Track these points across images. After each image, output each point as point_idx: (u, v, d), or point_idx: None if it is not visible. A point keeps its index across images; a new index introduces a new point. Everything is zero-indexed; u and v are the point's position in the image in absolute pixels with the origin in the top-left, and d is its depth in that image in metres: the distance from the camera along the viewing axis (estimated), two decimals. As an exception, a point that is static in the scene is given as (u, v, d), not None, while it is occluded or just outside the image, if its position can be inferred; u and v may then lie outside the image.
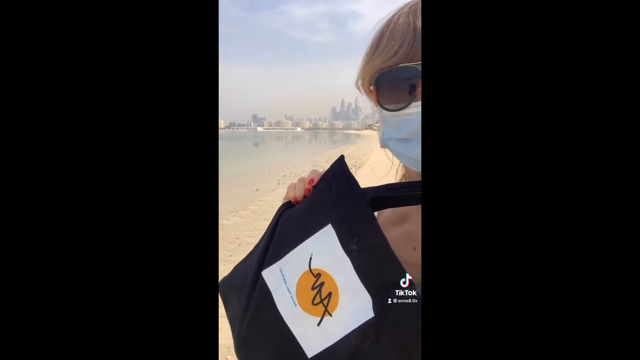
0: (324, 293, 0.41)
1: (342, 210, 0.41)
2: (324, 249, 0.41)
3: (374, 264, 0.39)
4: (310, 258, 0.42)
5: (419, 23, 0.40)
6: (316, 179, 0.44)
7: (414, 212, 0.49)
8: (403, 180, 0.54)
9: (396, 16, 0.42)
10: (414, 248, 0.47)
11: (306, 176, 0.46)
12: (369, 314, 0.38)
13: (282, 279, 0.43)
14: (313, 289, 0.41)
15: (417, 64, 0.40)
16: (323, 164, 12.92)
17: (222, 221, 5.12)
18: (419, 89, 0.40)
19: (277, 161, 15.16)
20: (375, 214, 0.41)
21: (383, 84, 0.43)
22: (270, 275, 0.44)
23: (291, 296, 0.42)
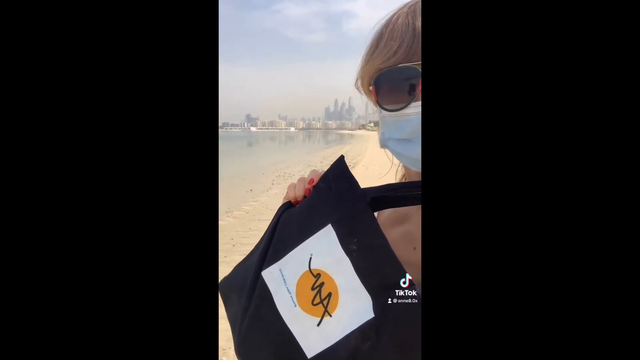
0: (324, 293, 0.41)
1: (342, 210, 0.41)
2: (323, 249, 0.41)
3: (374, 264, 0.39)
4: (310, 258, 0.42)
5: (418, 23, 0.40)
6: (316, 179, 0.44)
7: (414, 212, 0.49)
8: (403, 181, 0.54)
9: (395, 16, 0.42)
10: (414, 248, 0.47)
11: (306, 176, 0.46)
12: (369, 314, 0.38)
13: (282, 279, 0.43)
14: (313, 289, 0.41)
15: (417, 64, 0.40)
16: (317, 164, 12.91)
17: (216, 222, 5.10)
18: (419, 89, 0.40)
19: (271, 161, 15.12)
20: (375, 214, 0.41)
21: (382, 84, 0.43)
22: (270, 275, 0.44)
23: (291, 296, 0.42)
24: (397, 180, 0.55)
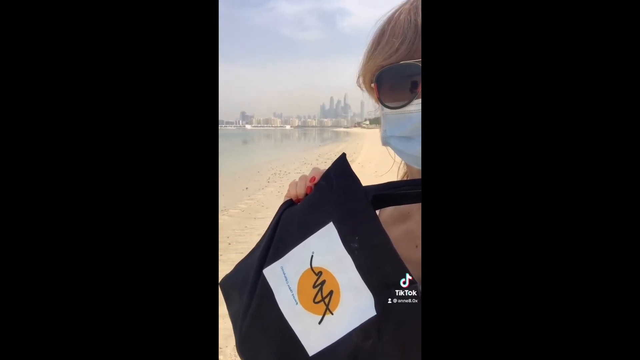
0: (325, 291, 0.40)
1: (343, 208, 0.41)
2: (325, 247, 0.41)
3: (375, 262, 0.39)
4: (312, 256, 0.41)
5: (420, 20, 0.40)
6: (318, 177, 0.44)
7: (416, 210, 0.49)
8: (405, 178, 0.54)
9: (397, 13, 0.42)
10: (416, 246, 0.47)
11: (306, 174, 0.46)
12: (371, 312, 0.38)
13: (283, 277, 0.43)
14: (314, 287, 0.41)
15: (419, 61, 0.40)
16: (313, 162, 12.89)
17: (211, 220, 5.08)
18: (420, 87, 0.40)
19: (266, 159, 15.08)
20: (377, 212, 0.41)
21: (384, 82, 0.43)
22: (272, 273, 0.44)
23: (292, 294, 0.42)
24: (399, 178, 0.55)
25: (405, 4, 0.43)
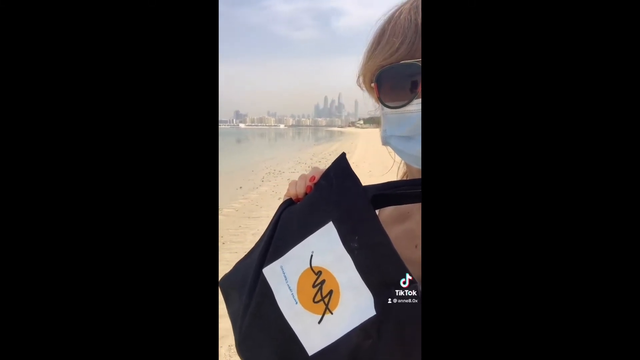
0: (325, 291, 0.40)
1: (343, 207, 0.41)
2: (325, 247, 0.41)
3: (375, 262, 0.39)
4: (311, 256, 0.41)
5: (420, 19, 0.40)
6: (317, 177, 0.44)
7: (416, 210, 0.49)
8: (404, 178, 0.54)
9: (397, 12, 0.42)
10: (416, 246, 0.47)
11: (305, 173, 0.46)
12: (371, 312, 0.38)
13: (283, 277, 0.43)
14: (314, 286, 0.41)
15: (419, 61, 0.40)
16: (307, 161, 12.88)
17: (205, 219, 5.05)
18: (421, 86, 0.40)
19: (260, 158, 15.03)
20: (377, 211, 0.41)
21: (384, 81, 0.43)
22: (271, 272, 0.44)
23: (292, 294, 0.42)
24: (399, 178, 0.55)
25: (405, 3, 0.43)
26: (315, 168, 0.45)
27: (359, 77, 0.47)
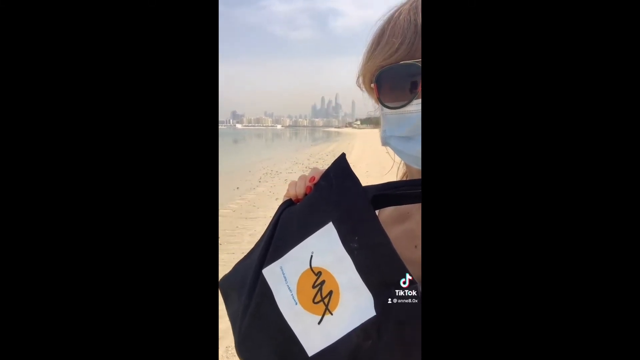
0: (325, 291, 0.40)
1: (343, 208, 0.41)
2: (324, 247, 0.41)
3: (375, 262, 0.39)
4: (311, 256, 0.41)
5: (420, 20, 0.40)
6: (317, 177, 0.43)
7: (415, 210, 0.49)
8: (404, 179, 0.54)
9: (397, 13, 0.42)
10: (415, 246, 0.47)
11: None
12: (371, 312, 0.38)
13: (282, 277, 0.43)
14: (314, 287, 0.41)
15: (418, 61, 0.40)
16: (304, 162, 12.87)
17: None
18: (420, 87, 0.40)
19: (257, 159, 15.01)
20: (377, 212, 0.41)
21: (384, 82, 0.43)
22: (271, 273, 0.44)
23: (292, 294, 0.42)
24: (399, 178, 0.55)
25: (404, 4, 0.43)
26: (315, 168, 0.45)
27: (358, 77, 0.47)
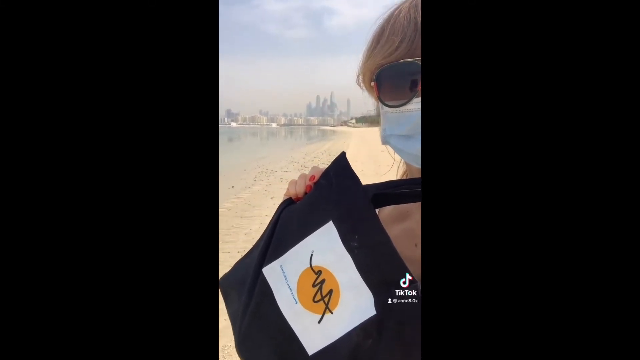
0: (325, 290, 0.40)
1: (343, 207, 0.40)
2: (324, 246, 0.41)
3: (375, 261, 0.39)
4: (311, 255, 0.41)
5: (420, 18, 0.40)
6: (317, 176, 0.43)
7: (415, 209, 0.49)
8: (404, 177, 0.54)
9: (397, 11, 0.42)
10: (415, 245, 0.47)
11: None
12: (371, 311, 0.38)
13: (282, 276, 0.42)
14: (314, 286, 0.41)
15: (418, 60, 0.40)
16: (300, 160, 12.85)
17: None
18: (420, 85, 0.40)
19: (252, 157, 14.97)
20: (377, 211, 0.41)
21: (384, 80, 0.43)
22: (271, 272, 0.43)
23: (292, 293, 0.42)
24: (399, 177, 0.55)
25: (404, 2, 0.43)
26: (315, 167, 0.45)
27: (358, 76, 0.47)
